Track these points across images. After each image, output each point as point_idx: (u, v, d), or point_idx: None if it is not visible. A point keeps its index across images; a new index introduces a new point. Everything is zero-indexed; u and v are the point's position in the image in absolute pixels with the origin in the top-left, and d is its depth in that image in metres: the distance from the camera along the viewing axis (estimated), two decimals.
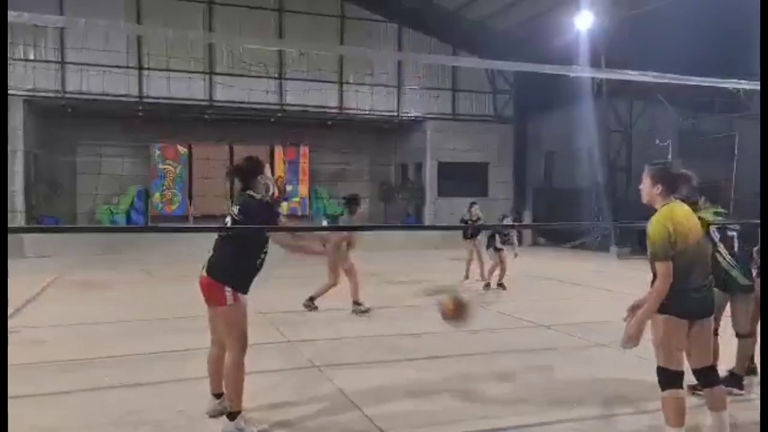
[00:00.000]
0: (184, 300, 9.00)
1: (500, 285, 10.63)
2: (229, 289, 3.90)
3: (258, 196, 4.07)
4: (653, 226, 3.50)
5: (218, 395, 4.24)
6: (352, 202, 8.79)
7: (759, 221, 4.81)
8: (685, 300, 3.48)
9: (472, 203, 11.82)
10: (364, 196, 23.55)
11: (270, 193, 4.18)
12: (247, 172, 4.14)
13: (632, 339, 3.54)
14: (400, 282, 11.47)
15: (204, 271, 4.02)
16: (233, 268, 3.94)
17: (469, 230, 11.37)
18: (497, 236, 10.64)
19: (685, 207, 3.65)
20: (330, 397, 4.81)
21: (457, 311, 4.69)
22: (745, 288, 4.77)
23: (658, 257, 3.45)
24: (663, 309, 3.48)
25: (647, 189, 3.64)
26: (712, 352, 3.77)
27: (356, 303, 8.32)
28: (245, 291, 3.99)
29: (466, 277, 11.49)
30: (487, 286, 10.62)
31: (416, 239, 18.57)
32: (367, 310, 8.27)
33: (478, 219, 11.57)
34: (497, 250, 10.64)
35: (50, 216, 18.29)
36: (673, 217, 3.50)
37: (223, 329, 4.04)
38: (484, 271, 11.07)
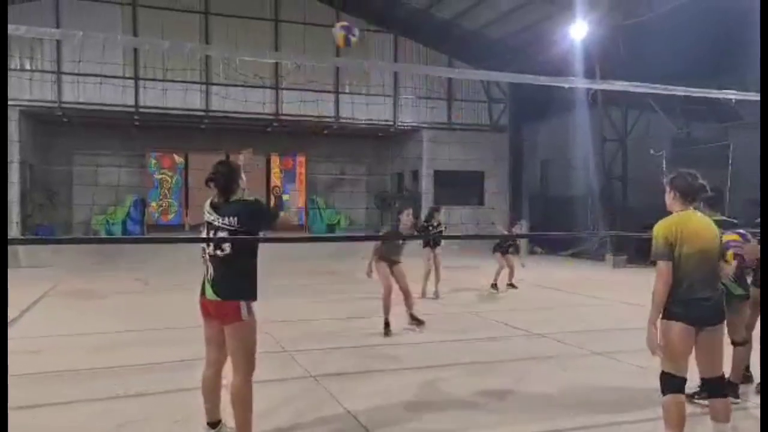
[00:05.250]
0: (180, 310, 9.00)
1: (510, 285, 11.27)
2: (244, 303, 3.73)
3: (250, 198, 3.92)
4: (655, 229, 3.64)
5: (214, 424, 3.97)
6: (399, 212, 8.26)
7: (753, 229, 4.86)
8: (692, 307, 3.52)
9: (435, 208, 11.13)
10: (360, 205, 23.77)
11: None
12: (229, 178, 3.89)
13: (652, 347, 3.61)
14: (398, 290, 11.45)
15: (209, 294, 3.77)
16: (244, 283, 3.77)
17: (431, 239, 10.52)
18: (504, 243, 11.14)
19: (702, 217, 3.73)
20: (326, 406, 4.80)
21: None
22: (740, 296, 4.80)
23: (657, 257, 3.59)
24: (670, 315, 3.55)
25: (667, 197, 3.80)
26: (722, 361, 3.77)
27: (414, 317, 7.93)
28: (255, 297, 3.82)
29: (423, 294, 10.50)
30: (494, 286, 10.97)
31: (414, 246, 18.53)
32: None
33: (439, 225, 10.76)
34: (505, 253, 11.10)
35: (46, 226, 18.25)
36: (680, 222, 3.61)
37: (233, 346, 3.78)
38: (437, 282, 10.76)
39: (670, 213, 3.76)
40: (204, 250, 3.85)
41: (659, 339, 3.58)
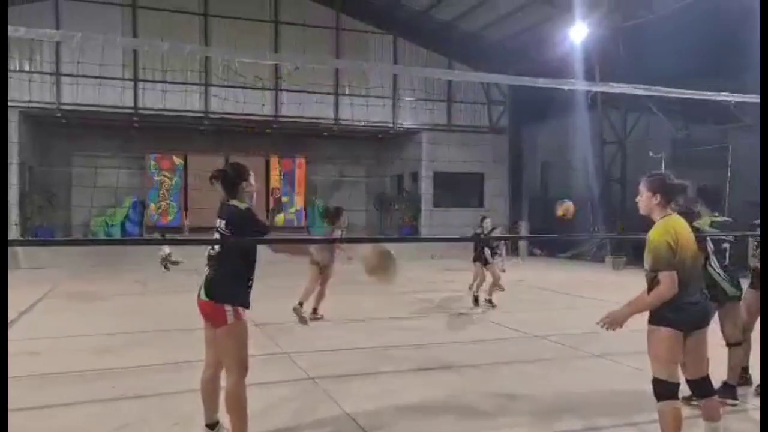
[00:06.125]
0: (179, 311, 8.99)
1: (489, 301, 10.00)
2: (229, 307, 3.73)
3: (242, 206, 3.86)
4: (654, 237, 3.51)
5: (212, 426, 3.99)
6: (333, 214, 9.07)
7: (749, 231, 4.87)
8: (684, 312, 3.49)
9: (484, 217, 11.87)
10: (360, 206, 23.77)
11: (252, 202, 3.99)
12: (231, 178, 3.92)
13: (612, 323, 3.57)
14: (397, 293, 11.47)
15: (203, 294, 3.81)
16: (233, 286, 3.77)
17: (480, 247, 10.57)
18: (486, 249, 10.13)
19: (683, 221, 3.67)
20: (325, 408, 4.79)
21: (380, 264, 4.27)
22: (734, 297, 4.80)
23: (661, 267, 3.45)
24: (661, 321, 3.50)
25: (645, 200, 3.66)
26: (707, 362, 3.78)
27: (315, 310, 8.65)
28: (247, 305, 3.83)
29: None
30: (476, 300, 9.98)
31: (412, 249, 18.58)
32: (305, 322, 8.19)
33: (492, 231, 11.34)
34: (486, 264, 10.09)
35: (45, 228, 18.24)
36: (675, 228, 3.54)
37: (223, 349, 3.81)
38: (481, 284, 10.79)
39: (648, 216, 3.68)
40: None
41: (651, 344, 3.57)
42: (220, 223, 3.87)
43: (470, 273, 11.51)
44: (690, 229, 3.69)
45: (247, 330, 3.86)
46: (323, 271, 8.56)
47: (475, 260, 10.22)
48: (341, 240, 8.87)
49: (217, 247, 3.81)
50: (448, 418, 4.63)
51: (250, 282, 3.87)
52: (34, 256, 15.35)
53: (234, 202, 3.88)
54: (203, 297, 3.82)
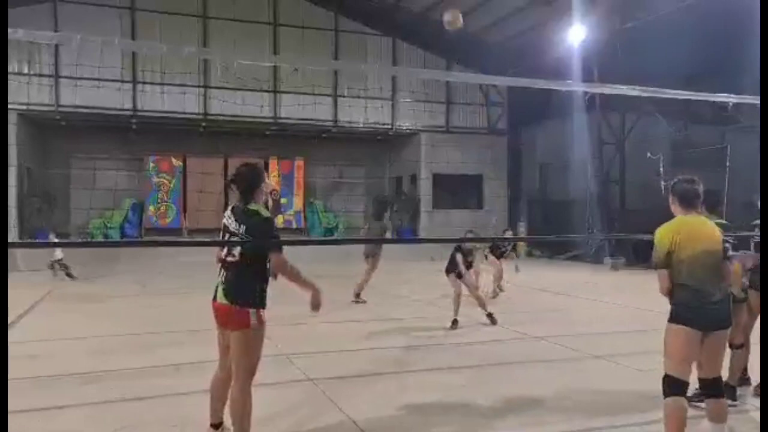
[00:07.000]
0: (178, 313, 9.01)
1: (489, 316, 8.46)
2: (253, 311, 3.68)
3: (264, 215, 3.80)
4: (657, 233, 3.67)
5: (216, 426, 3.98)
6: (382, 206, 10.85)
7: (750, 232, 4.88)
8: (702, 311, 3.53)
9: (506, 229, 12.40)
10: (358, 208, 23.78)
11: (266, 201, 3.99)
12: (251, 181, 3.85)
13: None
14: (396, 294, 11.47)
15: (221, 297, 3.74)
16: (255, 290, 3.71)
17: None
18: (458, 255, 8.46)
19: (702, 219, 3.76)
20: (324, 410, 4.79)
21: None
22: (740, 300, 4.80)
23: (654, 264, 3.66)
24: (679, 319, 3.55)
25: (671, 203, 3.88)
26: (721, 363, 3.79)
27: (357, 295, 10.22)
28: (265, 306, 3.78)
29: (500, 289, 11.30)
30: (491, 317, 8.39)
31: (413, 250, 18.58)
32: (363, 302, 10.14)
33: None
34: (460, 276, 8.47)
35: (44, 230, 18.19)
36: (680, 227, 3.63)
37: (237, 353, 3.72)
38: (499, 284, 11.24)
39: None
40: (218, 253, 3.85)
41: (666, 340, 3.59)
42: (240, 228, 3.75)
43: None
44: (707, 228, 3.71)
45: (263, 338, 3.79)
46: (371, 261, 10.37)
47: (447, 272, 8.68)
48: (384, 240, 10.46)
49: (236, 251, 3.70)
50: (448, 420, 4.63)
51: (267, 284, 3.84)
52: (33, 258, 15.32)
53: (254, 207, 3.81)
54: (222, 300, 3.76)
